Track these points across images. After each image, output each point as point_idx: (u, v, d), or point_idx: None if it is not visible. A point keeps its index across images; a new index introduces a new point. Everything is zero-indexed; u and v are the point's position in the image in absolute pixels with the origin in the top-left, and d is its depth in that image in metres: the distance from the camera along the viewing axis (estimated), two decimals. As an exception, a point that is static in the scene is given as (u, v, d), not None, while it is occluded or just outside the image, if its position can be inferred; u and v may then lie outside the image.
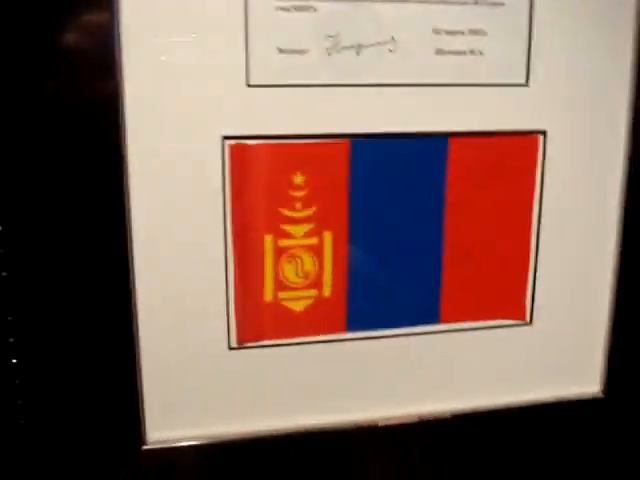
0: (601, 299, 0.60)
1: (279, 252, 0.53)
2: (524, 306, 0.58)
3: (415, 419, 0.58)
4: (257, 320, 0.53)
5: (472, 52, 0.52)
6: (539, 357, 0.60)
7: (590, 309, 0.60)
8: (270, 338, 0.54)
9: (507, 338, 0.58)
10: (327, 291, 0.54)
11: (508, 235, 0.56)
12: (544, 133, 0.55)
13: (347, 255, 0.54)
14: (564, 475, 0.63)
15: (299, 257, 0.53)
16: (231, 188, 0.51)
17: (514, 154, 0.55)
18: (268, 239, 0.52)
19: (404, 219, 0.54)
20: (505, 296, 0.57)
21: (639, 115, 0.56)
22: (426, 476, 0.60)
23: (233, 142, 0.50)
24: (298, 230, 0.53)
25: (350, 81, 0.51)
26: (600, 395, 0.62)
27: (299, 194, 0.52)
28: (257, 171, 0.51)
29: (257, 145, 0.51)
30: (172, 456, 0.54)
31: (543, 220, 0.57)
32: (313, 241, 0.53)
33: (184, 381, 0.53)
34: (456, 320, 0.57)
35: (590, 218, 0.58)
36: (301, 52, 0.50)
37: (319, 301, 0.54)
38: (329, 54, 0.50)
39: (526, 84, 0.54)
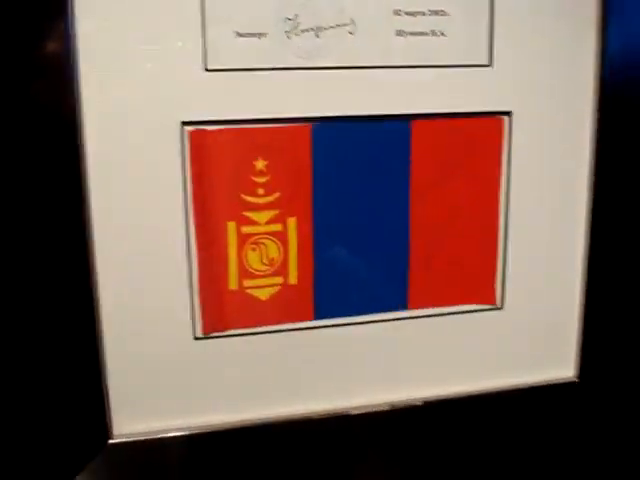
0: (573, 282, 0.59)
1: (243, 239, 0.52)
2: (494, 290, 0.57)
3: (387, 407, 0.57)
4: (222, 309, 0.53)
5: (433, 33, 0.52)
6: (512, 342, 0.59)
7: (562, 292, 0.59)
8: (236, 327, 0.53)
9: (478, 323, 0.58)
10: (293, 278, 0.54)
11: (476, 218, 0.56)
12: (509, 114, 0.54)
13: (313, 242, 0.53)
14: (539, 460, 0.63)
15: (263, 244, 0.53)
16: (192, 175, 0.50)
17: (479, 136, 0.54)
18: (231, 226, 0.52)
19: (369, 204, 0.53)
20: (474, 281, 0.57)
21: (604, 94, 0.56)
22: (399, 464, 0.59)
23: (192, 128, 0.50)
24: (262, 217, 0.52)
25: (310, 64, 0.51)
26: (575, 379, 0.61)
27: (262, 180, 0.52)
28: (218, 157, 0.50)
29: (217, 130, 0.50)
30: (139, 449, 0.53)
31: (511, 202, 0.56)
32: (277, 228, 0.53)
33: (150, 373, 0.53)
34: (425, 306, 0.56)
35: (559, 199, 0.57)
36: (260, 35, 0.49)
37: (285, 289, 0.54)
38: (288, 37, 0.50)
39: (489, 65, 0.53)
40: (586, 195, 0.58)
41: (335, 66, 0.51)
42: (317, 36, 0.50)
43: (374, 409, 0.57)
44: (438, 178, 0.54)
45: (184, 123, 0.49)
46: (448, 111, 0.53)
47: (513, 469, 0.62)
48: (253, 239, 0.52)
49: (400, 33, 0.51)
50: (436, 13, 0.52)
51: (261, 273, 0.53)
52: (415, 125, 0.53)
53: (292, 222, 0.53)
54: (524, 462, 0.62)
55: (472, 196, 0.55)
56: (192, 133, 0.49)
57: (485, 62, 0.53)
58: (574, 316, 0.60)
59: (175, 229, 0.51)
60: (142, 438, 0.53)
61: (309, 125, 0.51)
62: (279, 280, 0.53)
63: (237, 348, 0.54)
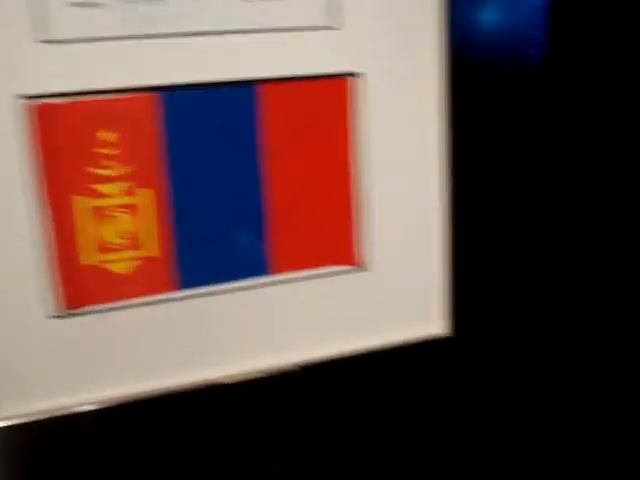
0: (438, 239, 0.60)
1: (96, 213, 0.51)
2: (356, 251, 0.58)
3: (261, 374, 0.57)
4: (79, 286, 0.52)
5: (275, -4, 0.52)
6: (383, 301, 0.60)
7: (428, 250, 0.60)
8: (97, 303, 0.53)
9: (346, 284, 0.58)
10: (155, 250, 0.53)
11: (331, 180, 0.56)
12: (359, 75, 0.55)
13: (172, 212, 0.53)
14: (421, 414, 0.64)
15: (118, 217, 0.52)
16: (37, 150, 0.49)
17: (329, 98, 0.54)
18: (83, 200, 0.51)
19: (224, 172, 0.53)
20: (336, 242, 0.57)
21: (455, 52, 0.57)
22: (277, 430, 0.60)
23: (33, 102, 0.48)
24: (113, 189, 0.51)
25: (152, 32, 0.50)
26: (449, 334, 0.63)
27: (112, 152, 0.51)
28: (64, 131, 0.49)
29: (61, 104, 0.49)
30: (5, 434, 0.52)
31: (368, 162, 0.56)
32: (132, 200, 0.52)
33: (8, 356, 0.51)
34: (288, 270, 0.56)
35: (415, 157, 0.58)
36: (97, 5, 0.48)
37: (147, 261, 0.53)
38: (128, 5, 0.49)
39: (337, 27, 0.54)
40: (443, 150, 0.58)
41: (179, 33, 0.50)
42: (158, 4, 0.50)
43: (248, 377, 0.57)
44: (291, 141, 0.54)
45: (25, 97, 0.48)
46: (295, 74, 0.53)
47: (395, 425, 0.63)
48: (106, 212, 0.51)
49: (242, -3, 0.51)
50: (276, -24, 0.52)
51: (117, 246, 0.52)
52: (263, 89, 0.53)
53: (148, 193, 0.52)
54: (405, 418, 0.64)
55: (326, 157, 0.55)
56: (34, 107, 0.48)
57: (332, 24, 0.53)
58: (443, 271, 0.61)
59: (23, 206, 0.49)
60: (6, 423, 0.52)
61: (156, 94, 0.51)
62: (139, 253, 0.53)
63: (100, 324, 0.53)
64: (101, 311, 0.53)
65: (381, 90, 0.55)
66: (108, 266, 0.52)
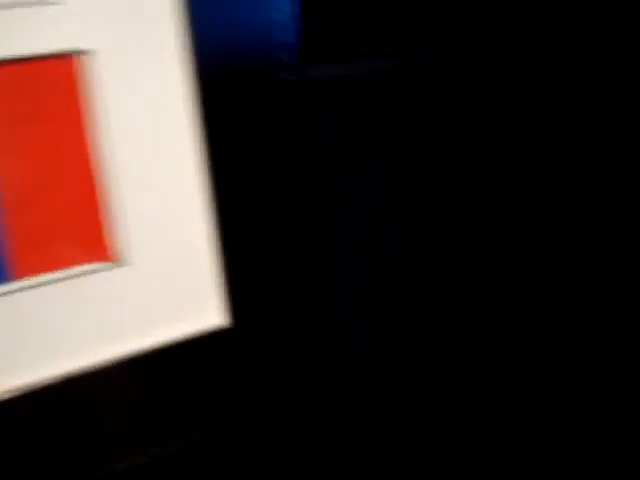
0: (202, 225, 0.57)
1: None
2: (110, 246, 0.53)
3: (19, 392, 0.52)
4: None
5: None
6: (150, 297, 0.56)
7: (194, 238, 0.57)
8: None
9: (106, 283, 0.54)
10: None
11: (72, 171, 0.51)
12: (87, 53, 0.50)
13: None
14: (208, 408, 0.61)
15: None
16: None
17: (56, 79, 0.49)
18: None
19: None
20: (86, 239, 0.52)
21: (198, 28, 0.54)
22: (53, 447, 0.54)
23: None
24: None
25: None
26: (229, 325, 0.60)
27: None
28: None
29: None
30: None
31: (112, 147, 0.52)
32: None
33: None
34: (33, 274, 0.51)
35: (166, 140, 0.54)
36: None
37: None
38: None
39: (57, 2, 0.49)
40: (197, 132, 0.55)
41: None
42: None
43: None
44: (15, 130, 0.49)
45: None
46: (10, 56, 0.48)
47: (186, 423, 0.60)
48: None
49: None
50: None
51: None
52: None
53: None
54: (194, 415, 0.60)
55: (61, 145, 0.50)
56: None
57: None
58: (215, 260, 0.58)
59: None
60: None
61: None
62: None
63: None
64: None
65: (119, 69, 0.51)
66: None
